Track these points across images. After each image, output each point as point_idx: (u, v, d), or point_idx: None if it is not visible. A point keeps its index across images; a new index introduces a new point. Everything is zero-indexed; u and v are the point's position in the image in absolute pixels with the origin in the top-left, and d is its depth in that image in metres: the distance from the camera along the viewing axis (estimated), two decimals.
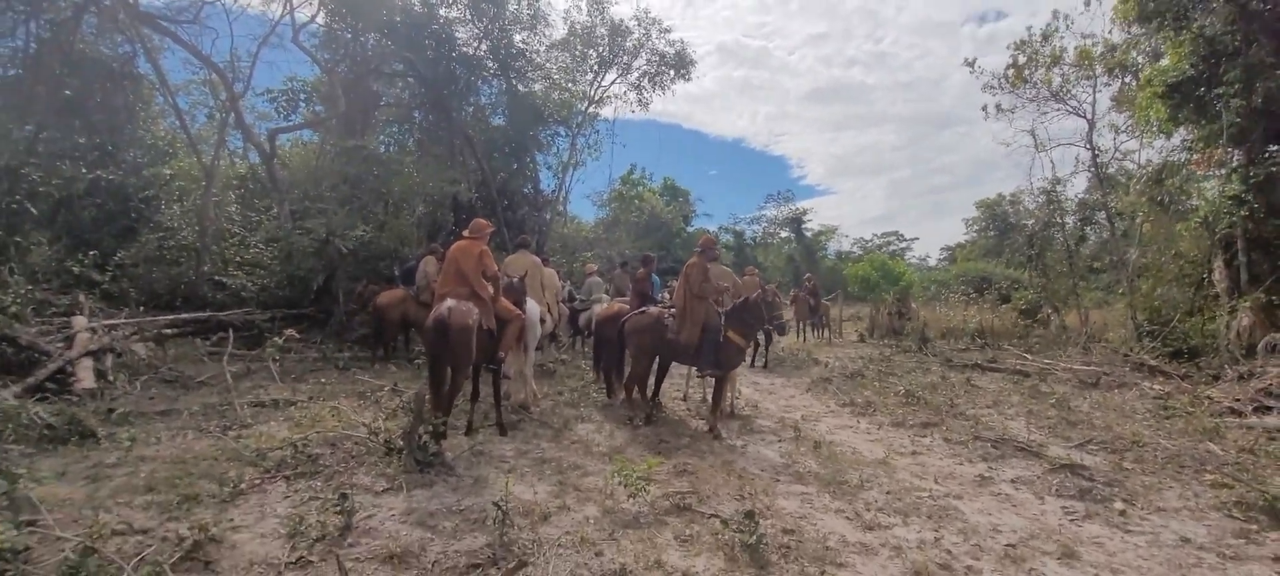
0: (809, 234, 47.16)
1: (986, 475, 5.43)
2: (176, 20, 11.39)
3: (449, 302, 5.32)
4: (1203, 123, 9.47)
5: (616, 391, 7.29)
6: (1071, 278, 15.28)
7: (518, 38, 17.38)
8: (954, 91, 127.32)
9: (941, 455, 6.05)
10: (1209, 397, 8.54)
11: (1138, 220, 14.39)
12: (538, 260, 7.69)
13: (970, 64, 15.32)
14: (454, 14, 16.00)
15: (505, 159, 19.25)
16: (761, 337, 10.74)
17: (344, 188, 12.76)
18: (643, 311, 6.71)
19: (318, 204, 12.28)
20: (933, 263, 47.63)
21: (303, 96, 13.82)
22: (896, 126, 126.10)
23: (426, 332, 5.26)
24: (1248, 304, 9.31)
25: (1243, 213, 9.27)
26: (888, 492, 4.83)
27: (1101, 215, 15.95)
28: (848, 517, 4.30)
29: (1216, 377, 9.55)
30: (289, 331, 8.27)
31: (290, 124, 13.35)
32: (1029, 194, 16.17)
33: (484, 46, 16.77)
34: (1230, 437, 6.70)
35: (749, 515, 3.74)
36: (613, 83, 20.57)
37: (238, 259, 11.78)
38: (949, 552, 3.82)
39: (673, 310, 6.56)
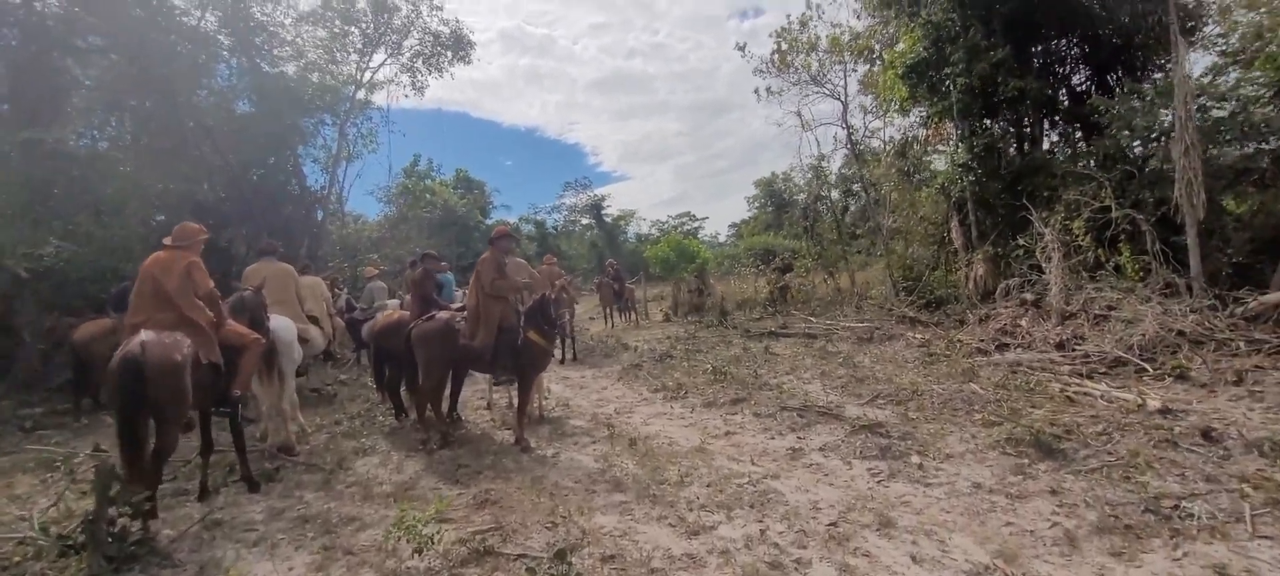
0: (609, 219, 48.07)
1: (797, 446, 5.41)
2: None
3: (144, 336, 3.98)
4: (935, 100, 10.78)
5: (406, 412, 6.29)
6: (840, 244, 16.89)
7: (256, 10, 14.83)
8: (725, 80, 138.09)
9: (754, 432, 5.97)
10: (960, 341, 9.71)
11: (886, 190, 16.25)
12: (288, 267, 6.33)
13: (741, 48, 16.30)
14: None
15: (259, 152, 16.43)
16: (566, 331, 10.19)
17: (22, 194, 9.82)
18: (430, 317, 5.76)
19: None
20: (722, 239, 51.20)
21: None
22: (677, 114, 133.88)
23: (112, 378, 3.84)
24: (980, 256, 10.75)
25: (969, 179, 10.67)
26: (708, 485, 4.53)
27: (858, 187, 17.88)
28: (671, 524, 3.89)
29: (962, 322, 10.96)
30: None
31: None
32: (799, 171, 17.65)
33: (210, 17, 14.05)
34: (984, 376, 7.53)
35: (560, 554, 3.14)
36: (382, 64, 18.57)
37: None
38: (776, 546, 3.56)
39: (465, 313, 5.72)
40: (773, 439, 5.72)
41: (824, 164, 16.89)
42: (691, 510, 4.09)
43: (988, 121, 10.87)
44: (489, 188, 39.56)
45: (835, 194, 17.38)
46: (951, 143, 11.83)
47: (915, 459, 4.91)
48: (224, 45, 14.97)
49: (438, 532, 3.53)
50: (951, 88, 10.15)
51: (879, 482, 4.53)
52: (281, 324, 5.63)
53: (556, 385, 8.98)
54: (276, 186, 17.27)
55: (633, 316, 18.41)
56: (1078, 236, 8.86)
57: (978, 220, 11.42)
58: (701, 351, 11.10)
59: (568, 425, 6.52)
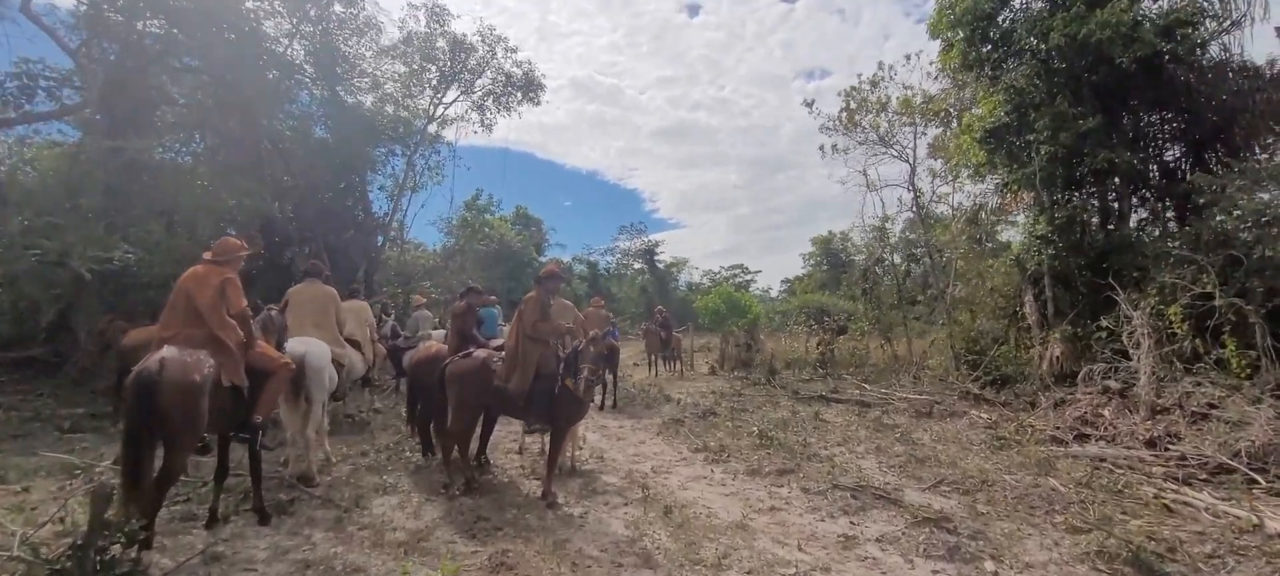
0: (661, 265, 48.02)
1: (850, 532, 4.85)
2: None
3: (166, 352, 3.82)
4: (1014, 167, 10.16)
5: (433, 450, 6.01)
6: (899, 309, 16.11)
7: (342, 43, 15.43)
8: (787, 138, 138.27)
9: (801, 510, 5.43)
10: (1031, 426, 8.90)
11: (952, 257, 15.48)
12: (330, 290, 6.22)
13: (809, 105, 15.97)
14: (261, 5, 13.81)
15: (329, 177, 16.96)
16: (608, 377, 9.75)
17: (100, 199, 10.24)
18: (467, 354, 5.51)
19: (66, 219, 9.69)
20: (774, 294, 50.34)
21: (43, 84, 11.00)
22: (737, 166, 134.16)
23: (126, 394, 3.67)
24: (1057, 336, 9.94)
25: (1048, 252, 9.95)
26: (749, 572, 4.04)
27: (921, 251, 17.13)
28: None
29: (1032, 405, 10.11)
30: None
31: (20, 115, 10.43)
32: (860, 230, 17.04)
33: (297, 46, 14.66)
34: (1063, 470, 6.78)
35: None
36: (454, 101, 19.06)
37: None
38: None
39: (503, 353, 5.44)
40: (822, 521, 5.17)
41: (887, 225, 16.26)
42: None
43: (1070, 193, 10.17)
44: (546, 226, 40.17)
45: (897, 257, 16.63)
46: (1030, 213, 11.12)
47: (989, 565, 4.30)
48: (308, 73, 15.59)
49: None
50: (1034, 155, 9.54)
51: None
52: (313, 348, 5.47)
53: (593, 433, 8.60)
54: (342, 210, 17.76)
55: (678, 366, 17.95)
56: (1173, 323, 8.04)
57: (1055, 297, 10.63)
58: (747, 410, 10.56)
59: (600, 481, 6.11)
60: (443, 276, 20.92)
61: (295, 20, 14.01)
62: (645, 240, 47.84)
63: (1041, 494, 5.91)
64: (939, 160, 16.70)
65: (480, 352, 5.53)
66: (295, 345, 5.42)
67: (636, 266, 48.87)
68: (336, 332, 6.06)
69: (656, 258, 47.73)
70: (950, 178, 16.49)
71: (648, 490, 5.68)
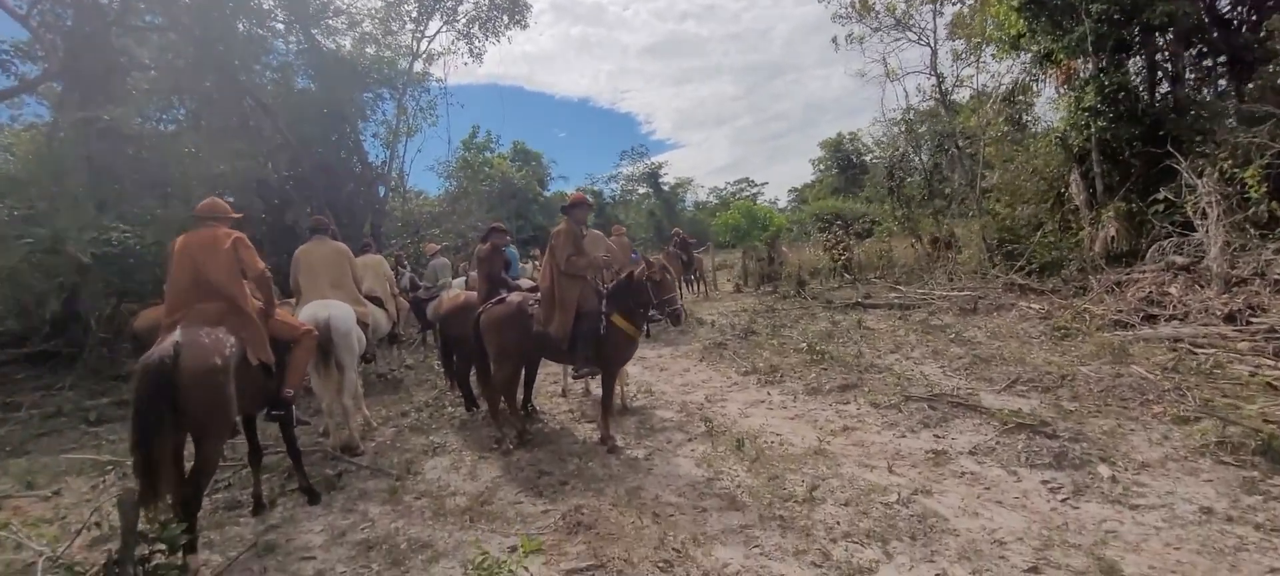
0: (667, 188, 46.99)
1: (938, 448, 4.48)
2: None
3: (180, 334, 3.28)
4: (1059, 34, 9.31)
5: (476, 404, 5.64)
6: (929, 203, 15.47)
7: None
8: (781, 41, 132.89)
9: (877, 427, 5.06)
10: (1088, 311, 8.46)
11: (984, 142, 14.69)
12: (342, 246, 5.71)
13: None
14: None
15: (319, 129, 16.18)
16: None
17: (86, 178, 9.68)
18: (500, 300, 5.04)
19: (53, 203, 9.17)
20: (782, 205, 49.34)
21: (9, 60, 10.26)
22: (733, 76, 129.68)
23: (138, 385, 3.14)
24: (1110, 214, 9.36)
25: (1099, 124, 9.24)
26: (846, 503, 3.68)
27: (947, 140, 16.28)
28: (815, 564, 3.06)
29: (1084, 290, 9.64)
30: None
31: None
32: (881, 124, 16.15)
33: None
34: (1140, 355, 6.36)
35: None
36: (438, 32, 17.98)
37: None
38: None
39: (538, 295, 4.97)
40: (903, 437, 4.80)
41: (911, 115, 15.38)
42: (835, 541, 3.25)
43: (1121, 57, 9.35)
44: (545, 158, 39.11)
45: (923, 151, 15.83)
46: (1069, 86, 10.31)
47: (1103, 469, 3.91)
48: (279, 17, 14.62)
49: (525, 573, 2.82)
50: (1085, 16, 8.68)
51: (1065, 503, 3.57)
52: (336, 310, 5.02)
53: (633, 366, 8.22)
54: (338, 163, 17.05)
55: (701, 288, 17.56)
56: (1250, 187, 7.43)
57: (1104, 173, 9.98)
58: (785, 326, 10.17)
59: (656, 417, 5.76)
60: (450, 221, 20.28)
61: None
62: (649, 163, 46.69)
63: (1129, 384, 5.50)
64: (961, 40, 15.68)
65: (514, 296, 5.06)
66: (316, 309, 4.97)
67: (641, 191, 47.84)
68: (355, 291, 5.59)
69: (661, 180, 46.70)
70: (973, 58, 15.51)
71: (710, 422, 5.31)
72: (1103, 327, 7.76)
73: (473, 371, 5.75)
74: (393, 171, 19.45)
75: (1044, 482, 3.83)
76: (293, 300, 5.59)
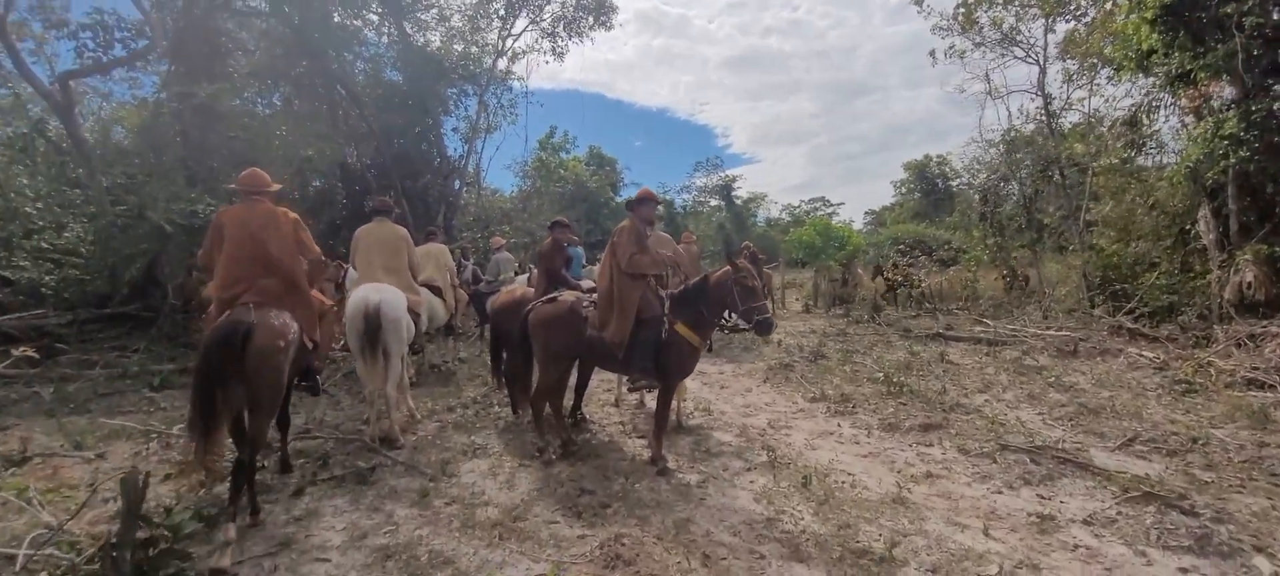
0: (739, 202, 46.20)
1: (1044, 511, 3.82)
2: None
3: (254, 316, 3.37)
4: (1199, 52, 8.25)
5: (522, 406, 5.32)
6: (1026, 232, 14.29)
7: None
8: (866, 60, 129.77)
9: (966, 477, 4.42)
10: (1213, 365, 7.43)
11: (1093, 170, 13.45)
12: (401, 230, 5.49)
13: (918, 2, 13.91)
14: None
15: (403, 120, 16.54)
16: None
17: (180, 151, 10.06)
18: (552, 299, 4.71)
19: (149, 173, 9.58)
20: (857, 226, 47.59)
21: (118, 35, 10.84)
22: (813, 94, 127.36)
23: (204, 354, 3.24)
24: (1246, 256, 8.22)
25: (1240, 154, 8.12)
26: (932, 568, 3.11)
27: (1050, 166, 15.01)
28: None
29: (1205, 340, 8.54)
30: (23, 349, 5.87)
31: (92, 65, 10.31)
32: (977, 145, 15.04)
33: None
34: None
35: None
36: (524, 32, 18.13)
37: (27, 245, 8.93)
38: None
39: (594, 296, 4.60)
40: (1000, 493, 4.15)
41: (1013, 136, 14.24)
42: None
43: (1271, 81, 8.20)
44: (619, 165, 39.07)
45: (1022, 175, 14.65)
46: (1210, 110, 9.16)
47: (1261, 563, 3.19)
48: (374, 10, 15.01)
49: None
50: (1237, 30, 7.62)
51: None
52: (387, 295, 4.81)
53: (691, 381, 7.78)
54: (418, 155, 17.40)
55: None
56: None
57: (1240, 211, 8.81)
58: (858, 352, 9.48)
59: (712, 439, 5.28)
60: (520, 219, 20.41)
61: None
62: (722, 176, 46.09)
63: (1279, 456, 4.64)
64: (1073, 60, 14.46)
65: (567, 295, 4.70)
66: (368, 292, 4.79)
67: (713, 204, 47.26)
68: (410, 277, 5.39)
69: (733, 194, 45.95)
70: (1086, 79, 14.26)
71: (773, 451, 4.79)
72: (1232, 385, 6.77)
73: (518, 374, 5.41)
74: (469, 166, 19.75)
75: (1183, 572, 3.15)
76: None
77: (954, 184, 36.12)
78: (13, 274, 8.63)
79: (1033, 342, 9.82)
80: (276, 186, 4.10)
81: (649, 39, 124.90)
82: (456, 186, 18.82)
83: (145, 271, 8.93)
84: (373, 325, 4.64)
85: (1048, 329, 10.78)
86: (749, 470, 4.52)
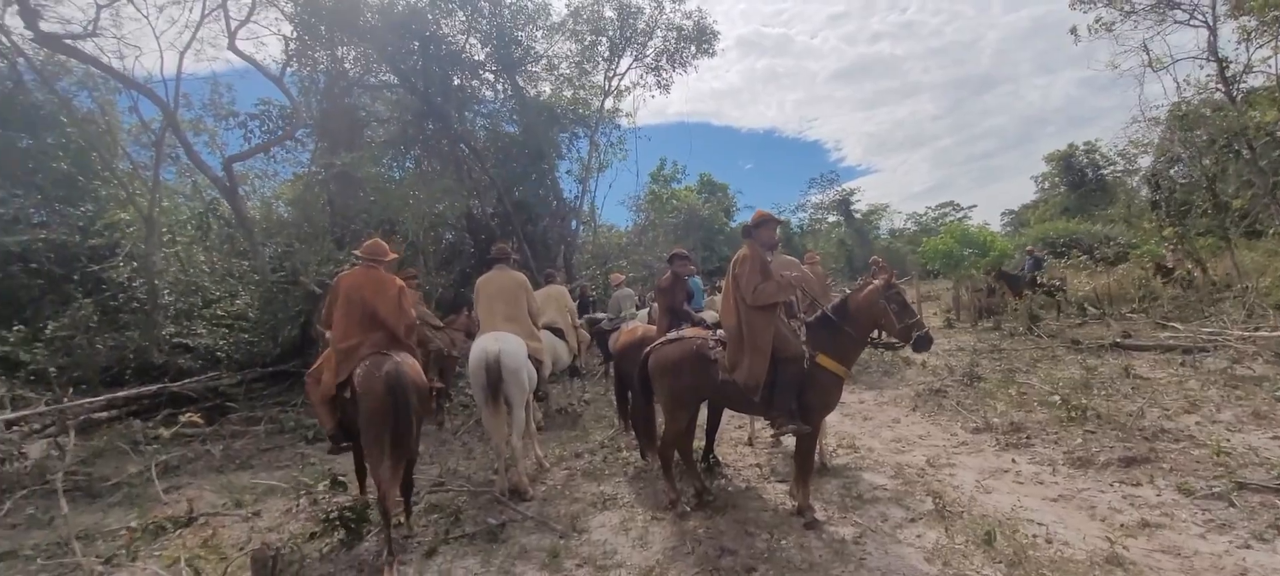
0: (858, 215, 44.08)
1: None
2: (74, 36, 9.56)
3: (394, 357, 3.97)
4: None
5: (650, 452, 5.01)
6: (1216, 218, 12.27)
7: (515, 30, 15.37)
8: (990, 51, 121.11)
9: (1198, 524, 3.58)
10: None
11: None
12: (519, 277, 5.35)
13: None
14: (441, 13, 14.06)
15: (522, 169, 17.24)
16: None
17: (326, 217, 10.94)
18: (675, 339, 4.41)
19: (301, 239, 10.51)
20: (996, 230, 43.69)
21: (278, 120, 12.08)
22: (933, 95, 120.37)
23: (371, 399, 3.77)
24: None
25: None
26: None
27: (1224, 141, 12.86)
28: None
29: None
30: (189, 415, 6.38)
31: (250, 149, 11.54)
32: (1140, 125, 13.16)
33: (474, 41, 14.81)
34: None
35: None
36: (629, 69, 18.39)
37: (206, 314, 10.00)
38: None
39: (721, 332, 4.23)
40: (1248, 547, 3.30)
41: (1184, 110, 12.36)
42: None
43: None
44: (731, 189, 38.57)
45: (1200, 153, 12.65)
46: None
47: None
48: (488, 67, 15.82)
49: None
50: None
51: None
52: (507, 344, 4.74)
53: (832, 414, 7.16)
54: (536, 200, 18.00)
55: None
56: None
57: None
58: (1020, 370, 8.40)
59: (863, 482, 4.72)
60: (636, 252, 20.50)
61: (468, 13, 14.07)
62: (839, 190, 44.24)
63: None
64: (1249, 16, 12.42)
65: (691, 333, 4.36)
66: (488, 343, 4.74)
67: (831, 220, 45.45)
68: (530, 324, 5.30)
69: (852, 207, 43.92)
70: (1270, 36, 12.18)
71: (939, 498, 4.16)
72: None
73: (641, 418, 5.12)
74: (584, 205, 20.21)
75: None
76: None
77: (1106, 172, 32.37)
78: (192, 341, 9.65)
79: (1241, 347, 8.26)
80: (393, 256, 4.58)
81: (752, 62, 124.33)
82: (573, 226, 19.27)
83: (301, 331, 9.66)
84: (494, 375, 4.57)
85: (1257, 329, 9.08)
86: (913, 521, 3.93)
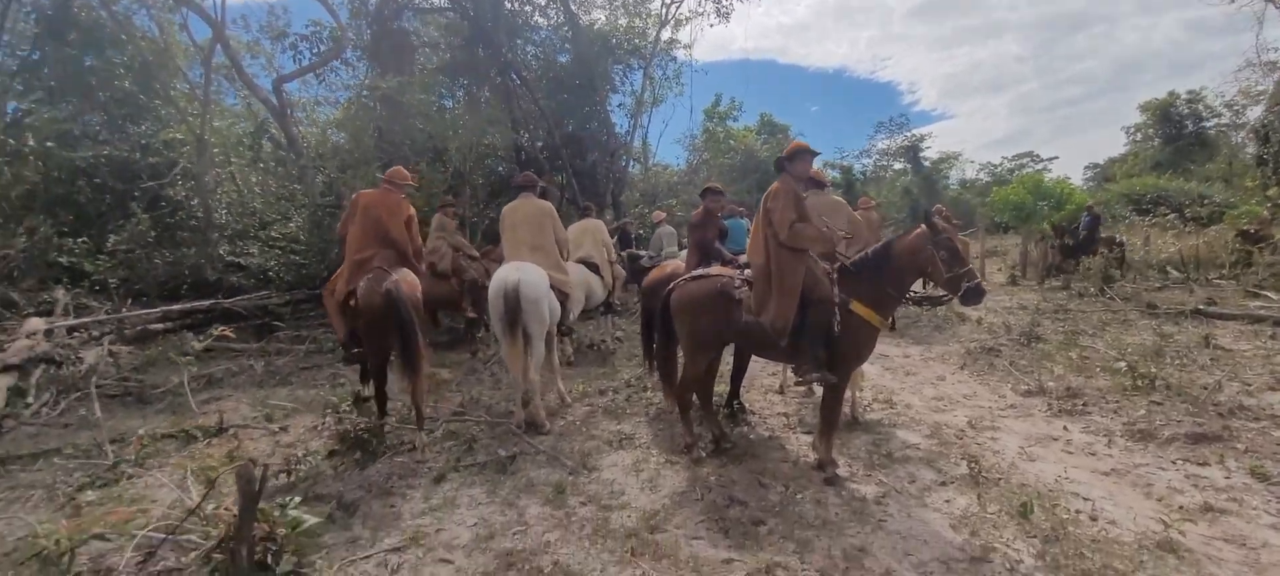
0: (927, 163, 41.85)
1: None
2: None
3: (393, 275, 4.27)
4: None
5: (670, 394, 4.82)
6: None
7: None
8: None
9: (1271, 514, 3.19)
10: None
11: None
12: (546, 205, 5.14)
13: None
14: None
15: (574, 100, 16.85)
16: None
17: (373, 141, 10.96)
18: (699, 276, 4.13)
19: (351, 168, 10.60)
20: (1077, 183, 40.74)
21: (328, 41, 12.05)
22: (1018, 35, 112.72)
23: (370, 312, 4.18)
24: None
25: None
26: None
27: None
28: None
29: None
30: (222, 330, 6.51)
31: (299, 69, 11.55)
32: (1255, 68, 11.74)
33: None
34: None
35: None
36: None
37: (261, 236, 10.27)
38: None
39: (748, 272, 3.95)
40: None
41: None
42: None
43: None
44: (793, 131, 37.10)
45: None
46: None
47: None
48: None
49: None
50: None
51: None
52: (527, 274, 4.57)
53: (870, 365, 6.83)
54: (586, 134, 17.65)
55: None
56: None
57: None
58: (1085, 333, 7.81)
59: (895, 440, 4.43)
60: (687, 192, 20.03)
61: None
62: (908, 136, 41.94)
63: None
64: None
65: (718, 271, 4.09)
66: (508, 272, 4.59)
67: (897, 167, 43.28)
68: (557, 254, 5.11)
69: (922, 155, 41.65)
70: None
71: (976, 462, 3.84)
72: None
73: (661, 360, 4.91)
74: (636, 141, 19.76)
75: None
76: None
77: (1210, 127, 29.56)
78: (245, 260, 9.94)
79: None
80: (411, 182, 5.00)
81: None
82: (624, 162, 18.88)
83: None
84: (512, 305, 4.43)
85: None
86: (944, 484, 3.66)
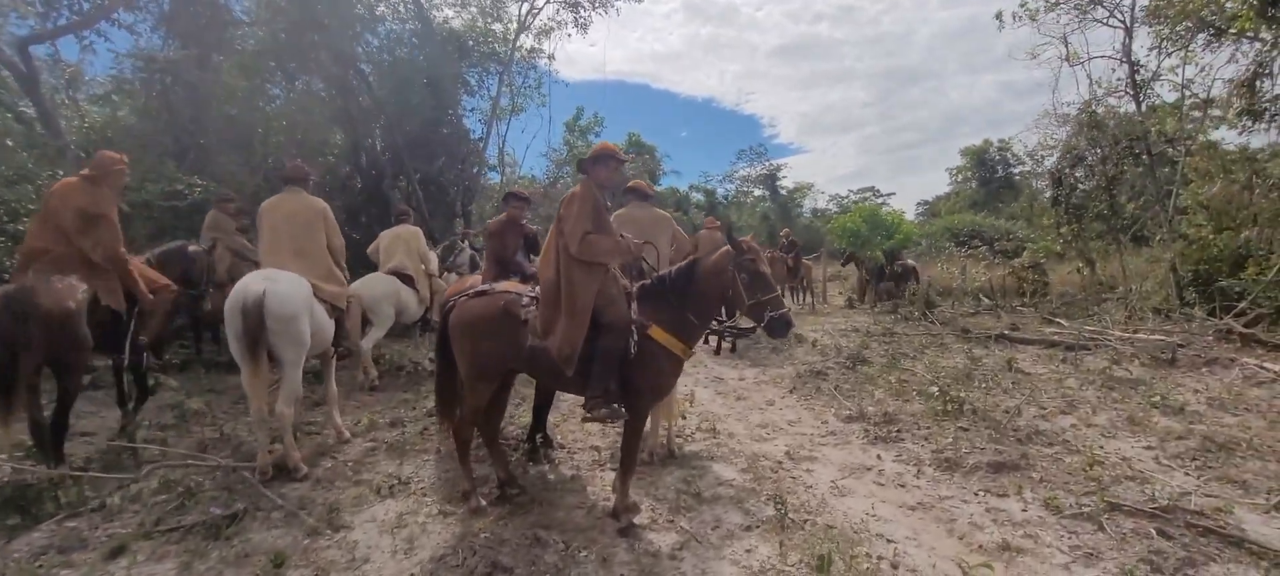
0: (784, 192, 44.48)
1: None
2: None
3: (31, 278, 3.76)
4: None
5: (445, 430, 4.04)
6: (1111, 221, 12.48)
7: None
8: (921, 45, 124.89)
9: (1064, 551, 3.08)
10: None
11: (1185, 150, 11.57)
12: (318, 204, 4.27)
13: None
14: None
15: (420, 100, 15.61)
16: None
17: (163, 126, 9.31)
18: (482, 292, 3.49)
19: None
20: (909, 218, 44.88)
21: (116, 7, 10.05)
22: (865, 82, 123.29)
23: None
24: None
25: None
26: None
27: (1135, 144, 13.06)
28: None
29: None
30: None
31: (55, 28, 9.43)
32: (1052, 118, 13.17)
33: None
34: None
35: None
36: (546, 4, 17.02)
37: (13, 229, 8.28)
38: None
39: (537, 290, 3.37)
40: None
41: (1094, 108, 12.39)
42: None
43: None
44: (659, 152, 37.72)
45: (1104, 154, 12.75)
46: None
47: None
48: None
49: None
50: None
51: None
52: (280, 285, 3.67)
53: (704, 389, 6.56)
54: (436, 138, 16.46)
55: (809, 299, 15.54)
56: None
57: None
58: (907, 356, 8.07)
59: (710, 475, 4.04)
60: (545, 206, 19.37)
61: None
62: (766, 164, 44.47)
63: None
64: (1163, 24, 12.52)
65: (503, 288, 3.49)
66: (251, 281, 3.67)
67: (757, 193, 45.67)
68: (329, 261, 4.26)
69: (779, 184, 44.29)
70: (1177, 46, 12.30)
71: (784, 502, 3.50)
72: None
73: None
74: (492, 149, 18.83)
75: None
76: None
77: (1016, 172, 33.65)
78: None
79: (1120, 348, 8.21)
80: (123, 168, 4.35)
81: (697, 28, 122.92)
82: (475, 170, 17.87)
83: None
84: (253, 322, 3.52)
85: (1136, 332, 9.14)
86: (749, 529, 3.27)
